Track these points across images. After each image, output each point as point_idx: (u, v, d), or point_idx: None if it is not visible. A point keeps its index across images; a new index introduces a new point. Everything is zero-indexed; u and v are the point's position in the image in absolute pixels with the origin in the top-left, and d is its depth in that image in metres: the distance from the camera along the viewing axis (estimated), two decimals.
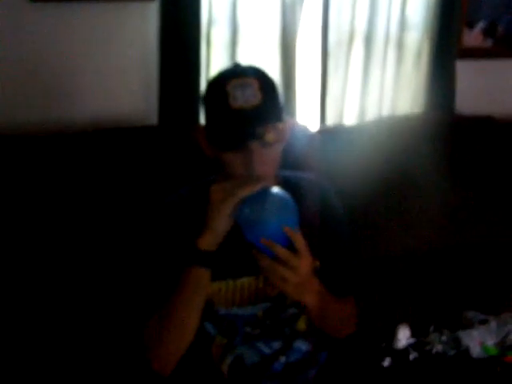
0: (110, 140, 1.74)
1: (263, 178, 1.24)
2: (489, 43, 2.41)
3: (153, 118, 1.96)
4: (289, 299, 1.36)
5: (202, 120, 1.35)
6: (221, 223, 1.22)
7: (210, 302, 1.33)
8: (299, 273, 1.17)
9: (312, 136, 1.93)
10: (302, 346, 1.42)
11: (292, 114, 2.14)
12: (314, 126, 2.04)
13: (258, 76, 1.27)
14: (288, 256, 1.16)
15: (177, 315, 1.27)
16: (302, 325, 1.41)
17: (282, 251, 1.16)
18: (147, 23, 1.94)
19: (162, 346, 1.29)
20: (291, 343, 1.40)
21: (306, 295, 1.24)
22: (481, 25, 2.38)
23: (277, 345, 1.39)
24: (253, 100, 1.22)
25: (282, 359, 1.39)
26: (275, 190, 1.23)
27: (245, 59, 1.99)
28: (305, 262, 1.19)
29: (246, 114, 1.21)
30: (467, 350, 1.80)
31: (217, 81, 1.29)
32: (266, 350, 1.38)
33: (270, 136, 1.23)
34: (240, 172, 1.26)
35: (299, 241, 1.18)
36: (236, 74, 1.27)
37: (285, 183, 1.43)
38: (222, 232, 1.23)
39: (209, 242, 1.23)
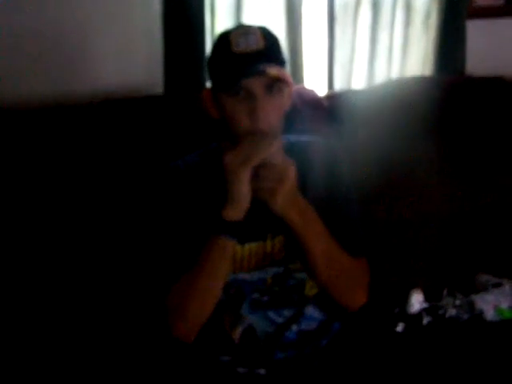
0: (117, 111, 1.73)
1: (268, 133, 1.24)
2: (501, 1, 2.36)
3: (159, 88, 1.95)
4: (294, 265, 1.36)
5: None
6: (242, 190, 1.21)
7: None
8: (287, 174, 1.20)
9: (320, 101, 1.90)
10: (313, 313, 1.42)
11: (299, 79, 2.11)
12: (321, 91, 2.01)
13: (261, 27, 1.29)
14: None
15: (202, 284, 1.28)
16: (311, 290, 1.40)
17: None
18: None
19: (186, 311, 1.29)
20: (302, 310, 1.40)
21: (293, 211, 1.24)
22: None
23: (288, 313, 1.38)
24: (255, 46, 1.23)
25: (294, 327, 1.39)
26: None
27: None
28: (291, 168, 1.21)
29: (248, 55, 1.22)
30: (481, 314, 1.80)
31: (221, 34, 1.31)
32: (278, 319, 1.38)
33: (272, 71, 1.22)
34: (245, 123, 1.25)
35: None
36: (240, 26, 1.32)
37: (292, 148, 1.42)
38: (245, 199, 1.22)
39: (234, 211, 1.23)
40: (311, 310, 1.41)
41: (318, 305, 1.42)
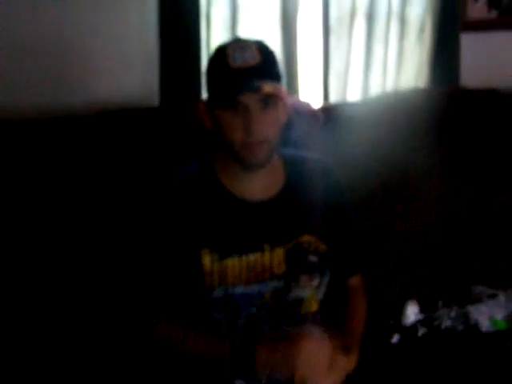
0: (113, 122, 1.73)
1: (262, 141, 1.25)
2: (493, 15, 2.38)
3: (155, 100, 1.95)
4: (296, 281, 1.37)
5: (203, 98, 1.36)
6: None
7: (210, 286, 1.33)
8: None
9: (315, 113, 1.91)
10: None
11: (295, 91, 2.12)
12: (317, 103, 2.02)
13: (257, 42, 1.30)
14: None
15: (195, 351, 1.31)
16: (309, 308, 1.40)
17: None
18: (147, 4, 1.92)
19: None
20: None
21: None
22: None
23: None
24: (251, 60, 1.24)
25: None
26: None
27: None
28: None
29: (244, 71, 1.24)
30: (476, 325, 1.80)
31: (218, 48, 1.32)
32: None
33: (267, 87, 1.24)
34: (240, 136, 1.26)
35: None
36: (236, 40, 1.32)
37: (289, 162, 1.43)
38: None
39: (267, 363, 1.22)
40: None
41: (317, 322, 1.42)
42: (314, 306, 1.42)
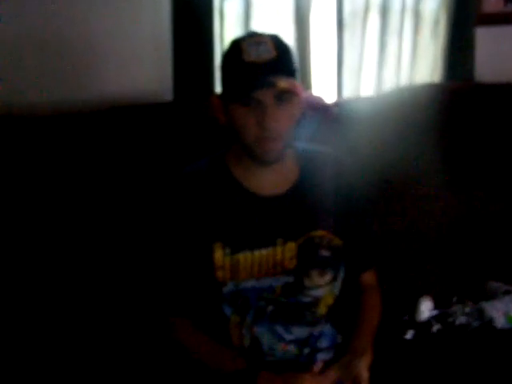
0: (126, 117, 1.73)
1: (276, 136, 1.25)
2: (510, 8, 2.35)
3: (168, 94, 1.95)
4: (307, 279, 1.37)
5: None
6: None
7: (222, 280, 1.33)
8: None
9: (328, 108, 1.91)
10: (326, 330, 1.41)
11: (308, 86, 2.12)
12: (330, 99, 2.01)
13: (273, 36, 1.29)
14: None
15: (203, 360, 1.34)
16: (323, 309, 1.40)
17: None
18: None
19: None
20: (319, 332, 1.39)
21: None
22: None
23: (297, 331, 1.37)
24: (266, 55, 1.23)
25: (306, 350, 1.38)
26: None
27: None
28: None
29: (259, 66, 1.23)
30: (491, 321, 1.79)
31: (233, 42, 1.31)
32: (287, 336, 1.36)
33: (282, 83, 1.23)
34: (254, 131, 1.26)
35: None
36: (251, 34, 1.31)
37: (303, 156, 1.43)
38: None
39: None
40: (323, 327, 1.40)
41: (331, 321, 1.42)
42: (329, 304, 1.42)
